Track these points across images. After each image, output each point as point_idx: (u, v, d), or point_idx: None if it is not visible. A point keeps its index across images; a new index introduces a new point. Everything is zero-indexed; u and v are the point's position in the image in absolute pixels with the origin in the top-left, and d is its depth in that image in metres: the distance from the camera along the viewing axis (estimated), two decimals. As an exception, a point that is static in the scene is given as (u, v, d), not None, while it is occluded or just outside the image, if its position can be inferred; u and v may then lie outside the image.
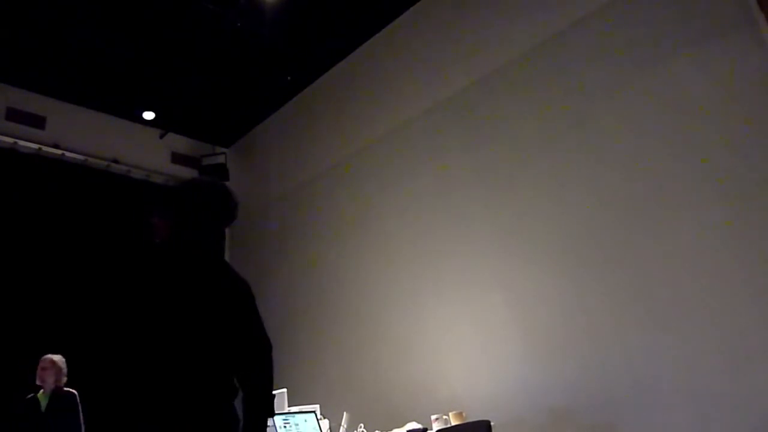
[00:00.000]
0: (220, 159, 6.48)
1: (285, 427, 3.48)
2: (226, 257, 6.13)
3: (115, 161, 5.80)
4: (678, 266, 3.11)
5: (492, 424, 3.08)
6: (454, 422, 3.37)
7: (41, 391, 3.89)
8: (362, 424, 3.86)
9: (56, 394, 3.89)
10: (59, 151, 5.37)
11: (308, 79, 5.75)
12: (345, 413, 3.88)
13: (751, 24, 3.04)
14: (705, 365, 2.93)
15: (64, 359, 4.00)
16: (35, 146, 5.23)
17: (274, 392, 1.90)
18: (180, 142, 6.47)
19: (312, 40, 5.22)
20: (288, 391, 4.10)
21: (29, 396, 3.88)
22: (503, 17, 4.25)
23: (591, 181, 3.56)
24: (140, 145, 6.10)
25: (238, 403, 1.80)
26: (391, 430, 3.66)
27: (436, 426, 3.43)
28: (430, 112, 4.63)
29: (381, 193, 4.87)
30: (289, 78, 5.67)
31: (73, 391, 3.98)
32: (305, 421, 3.62)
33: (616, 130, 3.50)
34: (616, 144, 3.49)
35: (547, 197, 3.74)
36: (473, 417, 3.38)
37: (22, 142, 5.15)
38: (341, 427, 3.81)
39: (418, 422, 3.64)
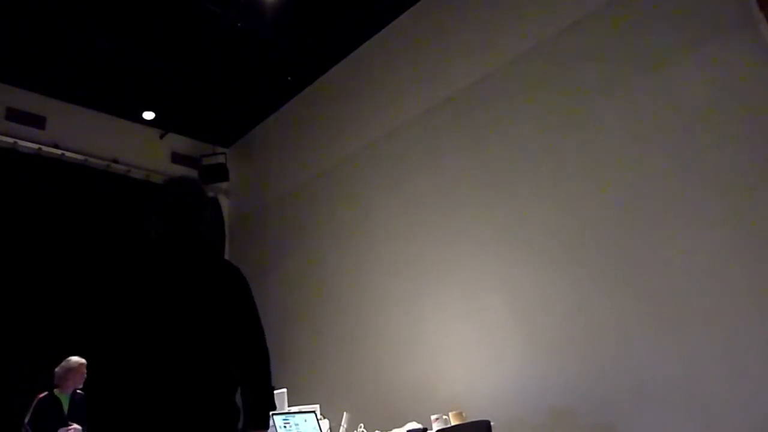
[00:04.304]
0: (220, 159, 6.49)
1: (285, 427, 3.48)
2: (226, 257, 6.14)
3: (115, 161, 5.81)
4: (678, 266, 3.11)
5: (492, 424, 3.08)
6: (454, 422, 3.37)
7: (57, 390, 3.81)
8: (362, 424, 3.86)
9: (75, 396, 3.87)
10: (59, 151, 5.38)
11: (308, 79, 5.76)
12: (345, 413, 3.88)
13: (751, 24, 3.04)
14: (705, 365, 2.92)
15: None
16: (35, 146, 5.24)
17: (273, 386, 1.89)
18: (180, 142, 6.48)
19: (312, 40, 5.22)
20: (288, 391, 4.09)
21: (47, 394, 3.78)
22: (503, 17, 4.25)
23: (591, 181, 3.56)
24: (140, 145, 6.11)
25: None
26: (391, 430, 3.66)
27: (436, 426, 3.43)
28: (429, 113, 4.63)
29: (381, 193, 4.87)
30: (289, 78, 5.68)
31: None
32: (305, 421, 3.62)
33: (615, 130, 3.50)
34: (615, 144, 3.49)
35: (547, 198, 3.75)
36: (473, 417, 3.37)
37: (22, 142, 5.16)
38: (341, 427, 3.80)
39: (418, 422, 3.64)
